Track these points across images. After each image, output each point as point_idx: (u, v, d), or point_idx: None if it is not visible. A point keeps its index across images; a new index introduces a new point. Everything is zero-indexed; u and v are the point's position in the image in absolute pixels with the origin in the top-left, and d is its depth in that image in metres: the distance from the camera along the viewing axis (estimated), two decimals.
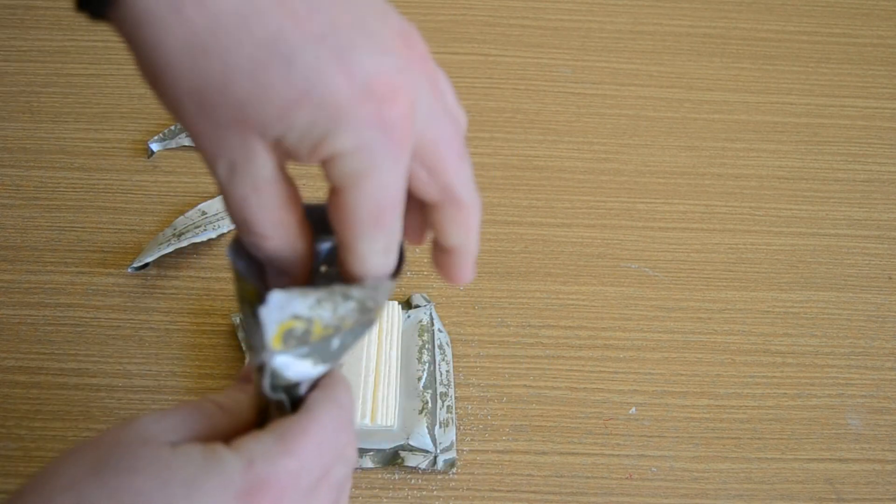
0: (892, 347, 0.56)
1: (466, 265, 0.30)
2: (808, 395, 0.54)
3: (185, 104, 0.25)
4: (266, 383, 0.28)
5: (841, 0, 0.73)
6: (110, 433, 0.28)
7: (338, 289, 0.27)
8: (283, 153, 0.26)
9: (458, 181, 0.28)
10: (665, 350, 0.55)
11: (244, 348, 0.53)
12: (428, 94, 0.27)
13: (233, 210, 0.27)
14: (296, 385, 0.30)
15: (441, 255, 0.30)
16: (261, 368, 0.28)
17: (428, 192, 0.28)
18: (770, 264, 0.59)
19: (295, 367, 0.29)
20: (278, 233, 0.27)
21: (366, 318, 0.29)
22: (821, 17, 0.72)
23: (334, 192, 0.26)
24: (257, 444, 0.28)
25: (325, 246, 0.32)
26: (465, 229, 0.29)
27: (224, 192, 0.27)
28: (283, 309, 0.26)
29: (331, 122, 0.24)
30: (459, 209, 0.29)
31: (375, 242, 0.27)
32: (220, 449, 0.27)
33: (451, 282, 0.31)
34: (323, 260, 0.32)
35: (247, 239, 0.28)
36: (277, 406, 0.30)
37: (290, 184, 0.27)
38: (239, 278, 0.29)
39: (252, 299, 0.28)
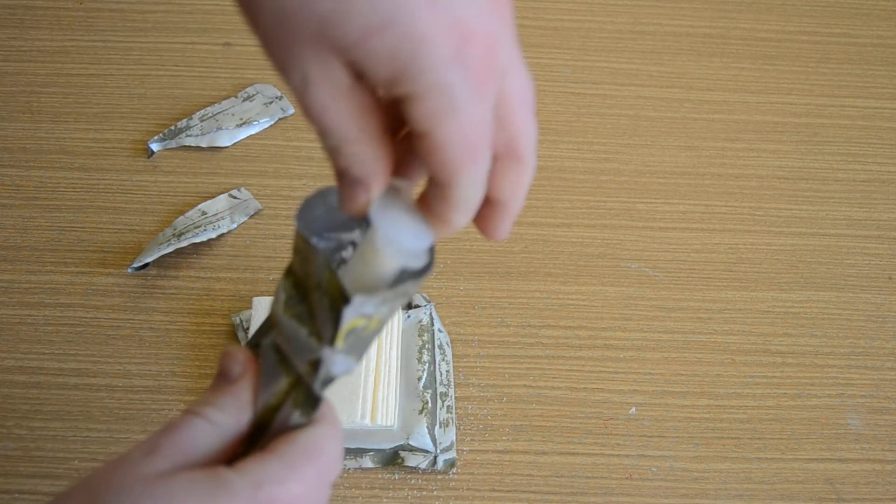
0: (892, 347, 0.56)
1: (506, 222, 0.30)
2: (808, 395, 0.54)
3: (266, 14, 0.24)
4: (319, 383, 0.29)
5: (841, 0, 0.73)
6: (100, 476, 0.27)
7: (402, 288, 0.28)
8: (359, 76, 0.25)
9: (525, 137, 0.28)
10: (665, 350, 0.55)
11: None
12: (510, 45, 0.26)
13: (312, 118, 0.26)
14: (331, 381, 0.30)
15: (483, 206, 0.29)
16: (315, 364, 0.28)
17: (492, 141, 0.27)
18: (770, 264, 0.59)
19: (342, 363, 0.29)
20: (361, 137, 0.26)
21: (393, 314, 0.30)
22: (821, 17, 0.72)
23: (419, 136, 0.25)
24: (262, 467, 0.28)
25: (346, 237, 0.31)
26: (517, 186, 0.29)
27: (300, 101, 0.26)
28: (358, 309, 0.27)
29: (412, 54, 0.23)
30: (518, 165, 0.28)
31: (472, 179, 0.26)
32: (224, 472, 0.27)
33: (486, 235, 0.30)
34: (333, 258, 0.31)
35: (329, 144, 0.27)
36: (305, 409, 0.29)
37: (368, 93, 0.26)
38: (330, 271, 0.27)
39: (334, 294, 0.27)
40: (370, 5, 0.23)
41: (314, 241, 0.29)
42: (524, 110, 0.27)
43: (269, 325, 0.31)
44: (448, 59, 0.23)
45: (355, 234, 0.31)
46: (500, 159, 0.28)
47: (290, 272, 0.30)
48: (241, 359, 0.30)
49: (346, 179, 0.28)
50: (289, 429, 0.29)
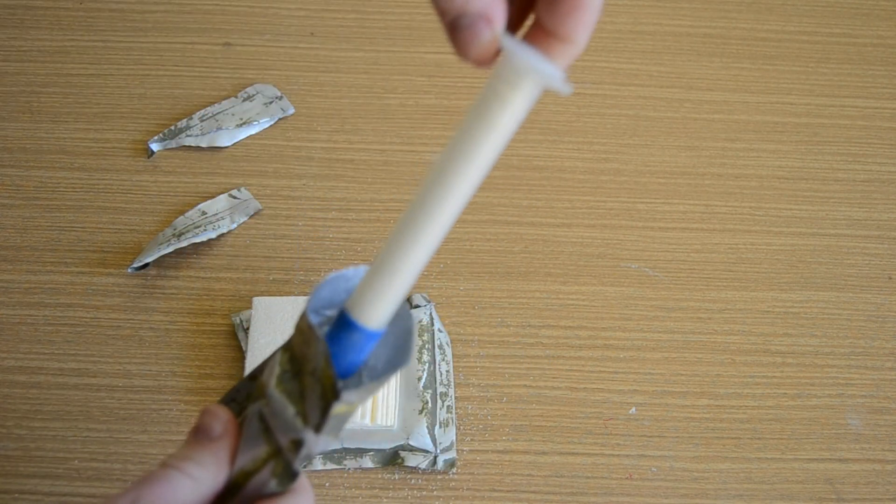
0: (892, 347, 0.56)
1: (570, 57, 0.28)
2: (808, 395, 0.54)
3: None
4: (299, 460, 0.30)
5: (841, 0, 0.73)
6: None
7: (383, 378, 0.30)
8: None
9: None
10: (665, 350, 0.55)
11: (243, 349, 0.53)
12: None
13: None
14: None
15: (544, 37, 0.27)
16: (297, 443, 0.30)
17: None
18: (770, 264, 0.59)
19: (323, 444, 0.30)
20: None
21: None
22: (821, 17, 0.72)
23: None
24: None
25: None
26: (587, 17, 0.27)
27: None
28: (346, 399, 0.29)
29: None
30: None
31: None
32: None
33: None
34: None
35: None
36: (283, 480, 0.30)
37: None
38: (327, 361, 0.29)
39: (326, 384, 0.29)
40: None
41: (312, 317, 0.30)
42: None
43: (256, 392, 0.32)
44: None
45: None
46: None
47: (288, 347, 0.31)
48: (223, 418, 0.31)
49: (465, 19, 0.26)
50: (265, 495, 0.30)
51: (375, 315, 0.29)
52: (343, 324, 0.29)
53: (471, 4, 0.26)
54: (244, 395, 0.33)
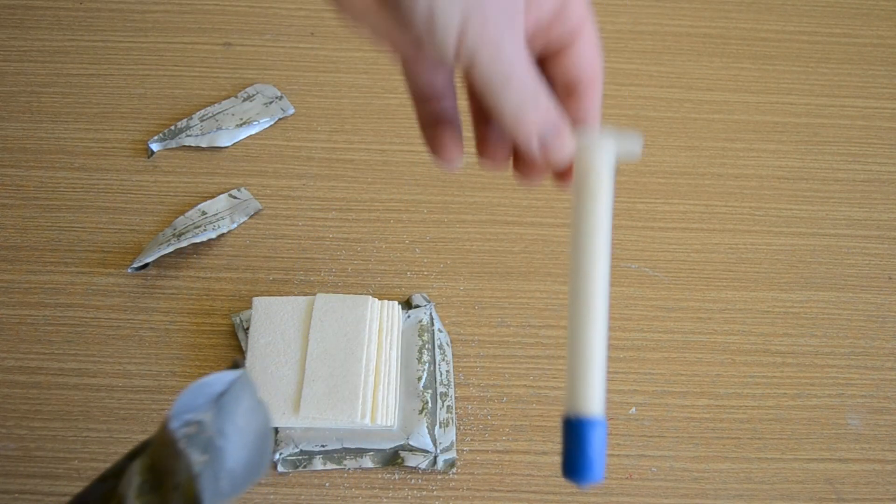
0: (892, 347, 0.56)
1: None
2: (808, 395, 0.54)
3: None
4: None
5: (841, 0, 0.73)
6: None
7: (246, 486, 0.31)
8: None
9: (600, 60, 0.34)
10: (665, 350, 0.55)
11: (243, 349, 0.53)
12: None
13: (503, 75, 0.30)
14: None
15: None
16: None
17: (586, 68, 0.33)
18: (770, 264, 0.59)
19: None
20: (545, 89, 0.32)
21: None
22: (821, 17, 0.72)
23: (571, 49, 0.33)
24: None
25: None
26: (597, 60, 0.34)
27: (490, 64, 0.30)
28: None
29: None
30: (588, 43, 0.34)
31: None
32: None
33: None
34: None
35: (518, 98, 0.31)
36: None
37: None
38: (190, 477, 0.30)
39: (189, 501, 0.30)
40: (581, 8, 0.32)
41: (174, 423, 0.31)
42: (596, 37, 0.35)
43: (113, 502, 0.32)
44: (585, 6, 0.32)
45: (203, 415, 0.32)
46: (590, 81, 0.35)
47: (142, 453, 0.32)
48: None
49: (548, 136, 0.31)
50: None
51: (598, 400, 0.32)
52: (579, 430, 0.31)
53: (549, 120, 0.31)
54: (97, 497, 0.33)
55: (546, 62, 0.33)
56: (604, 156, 0.31)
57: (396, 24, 0.28)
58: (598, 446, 0.33)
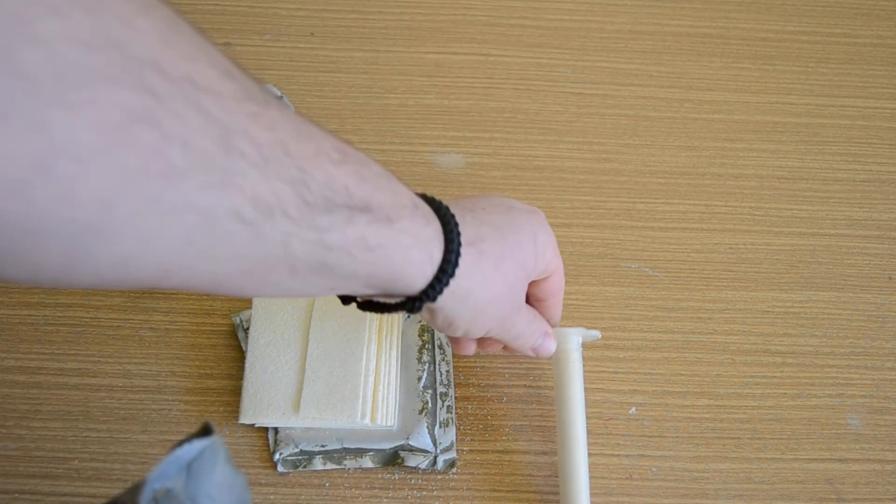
0: (892, 347, 0.56)
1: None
2: (808, 395, 0.54)
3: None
4: None
5: (841, 0, 0.73)
6: None
7: None
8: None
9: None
10: (665, 350, 0.55)
11: (243, 349, 0.53)
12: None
13: (526, 328, 0.47)
14: None
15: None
16: None
17: (556, 289, 0.48)
18: (770, 264, 0.59)
19: None
20: (538, 315, 0.48)
21: None
22: (821, 17, 0.72)
23: (549, 285, 0.47)
24: None
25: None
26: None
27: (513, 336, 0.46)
28: None
29: (554, 264, 0.46)
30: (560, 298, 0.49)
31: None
32: None
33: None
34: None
35: (531, 337, 0.47)
36: None
37: None
38: None
39: None
40: (555, 259, 0.46)
41: (144, 494, 0.30)
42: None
43: None
44: (557, 256, 0.47)
45: (173, 482, 0.32)
46: (556, 295, 0.49)
47: None
48: None
49: (539, 346, 0.48)
50: None
51: None
52: None
53: (544, 334, 0.48)
54: None
55: (530, 286, 0.47)
56: (574, 345, 0.50)
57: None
58: None
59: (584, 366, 0.55)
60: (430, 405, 0.51)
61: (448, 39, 0.69)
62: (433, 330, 0.54)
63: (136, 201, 0.24)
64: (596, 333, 0.50)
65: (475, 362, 0.54)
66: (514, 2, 0.71)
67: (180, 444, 0.31)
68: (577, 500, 0.47)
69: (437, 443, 0.50)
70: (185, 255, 0.26)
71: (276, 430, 0.51)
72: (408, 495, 0.50)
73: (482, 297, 0.40)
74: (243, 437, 0.51)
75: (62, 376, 0.53)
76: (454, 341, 0.48)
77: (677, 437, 0.52)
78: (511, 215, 0.43)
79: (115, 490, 0.49)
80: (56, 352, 0.53)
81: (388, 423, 0.50)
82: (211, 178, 0.25)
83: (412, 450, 0.50)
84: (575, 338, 0.49)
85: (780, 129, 0.66)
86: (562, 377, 0.49)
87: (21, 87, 0.21)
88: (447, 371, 0.53)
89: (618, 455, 0.51)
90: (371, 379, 0.49)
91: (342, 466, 0.50)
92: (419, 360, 0.53)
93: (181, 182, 0.24)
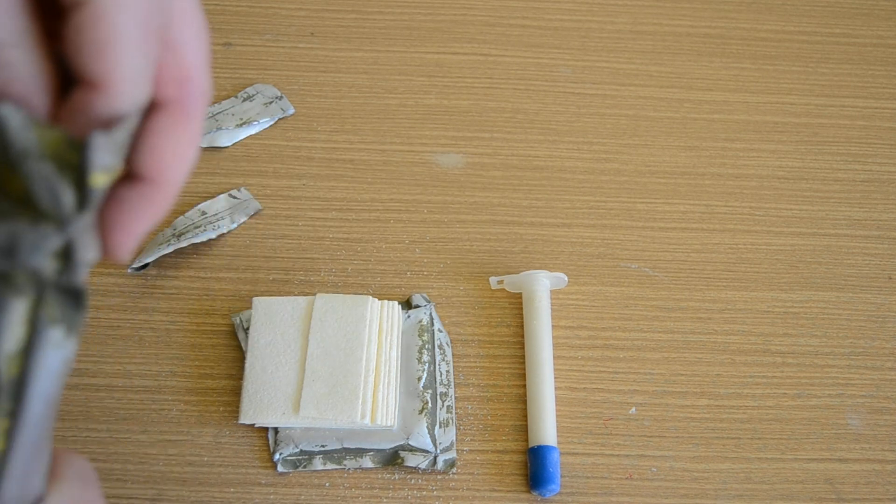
0: (892, 347, 0.56)
1: (145, 221, 0.22)
2: (808, 395, 0.54)
3: None
4: (79, 270, 0.22)
5: (841, 0, 0.73)
6: None
7: (133, 124, 0.22)
8: None
9: (200, 68, 0.21)
10: (665, 350, 0.55)
11: (243, 349, 0.53)
12: None
13: None
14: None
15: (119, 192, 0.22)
16: (66, 252, 0.22)
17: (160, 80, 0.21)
18: (770, 264, 0.59)
19: (89, 242, 0.23)
20: (23, 41, 0.21)
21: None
22: (821, 17, 0.72)
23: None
24: None
25: None
26: (182, 157, 0.21)
27: None
28: (102, 153, 0.21)
29: None
30: (189, 119, 0.21)
31: (138, 64, 0.21)
32: None
33: (109, 246, 0.23)
34: None
35: None
36: (68, 316, 0.22)
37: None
38: (39, 128, 0.21)
39: (56, 150, 0.21)
40: None
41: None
42: (199, 49, 0.21)
43: None
44: None
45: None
46: (163, 110, 0.21)
47: None
48: None
49: None
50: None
51: (552, 435, 0.50)
52: (541, 454, 0.49)
53: (13, 83, 0.21)
54: None
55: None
56: (542, 286, 0.54)
57: None
58: (555, 466, 0.49)
59: (583, 364, 0.55)
60: (430, 405, 0.51)
61: (448, 39, 0.69)
62: (433, 330, 0.54)
63: None
64: (562, 276, 0.54)
65: (475, 362, 0.54)
66: (514, 2, 0.71)
67: None
68: (544, 426, 0.50)
69: (437, 443, 0.50)
70: None
71: (276, 430, 0.51)
72: (408, 495, 0.50)
73: None
74: (243, 437, 0.51)
75: None
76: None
77: (677, 437, 0.52)
78: None
79: (115, 490, 0.49)
80: None
81: (388, 423, 0.50)
82: None
83: (412, 450, 0.50)
84: (544, 280, 0.54)
85: (780, 129, 0.66)
86: (530, 315, 0.54)
87: None
88: (447, 371, 0.53)
89: (618, 455, 0.51)
90: (371, 379, 0.49)
91: (342, 466, 0.50)
92: (419, 360, 0.53)
93: None
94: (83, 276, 0.23)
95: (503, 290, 0.57)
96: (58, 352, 0.22)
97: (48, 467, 0.24)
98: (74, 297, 0.22)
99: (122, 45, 0.20)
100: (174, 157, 0.22)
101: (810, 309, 0.58)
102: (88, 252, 0.22)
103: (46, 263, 0.22)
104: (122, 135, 0.22)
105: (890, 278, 0.59)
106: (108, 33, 0.19)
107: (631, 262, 0.59)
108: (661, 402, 0.53)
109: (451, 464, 0.50)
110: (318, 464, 0.50)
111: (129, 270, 0.56)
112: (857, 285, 0.59)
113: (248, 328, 0.53)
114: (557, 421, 0.52)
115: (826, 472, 0.52)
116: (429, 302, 0.55)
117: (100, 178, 0.21)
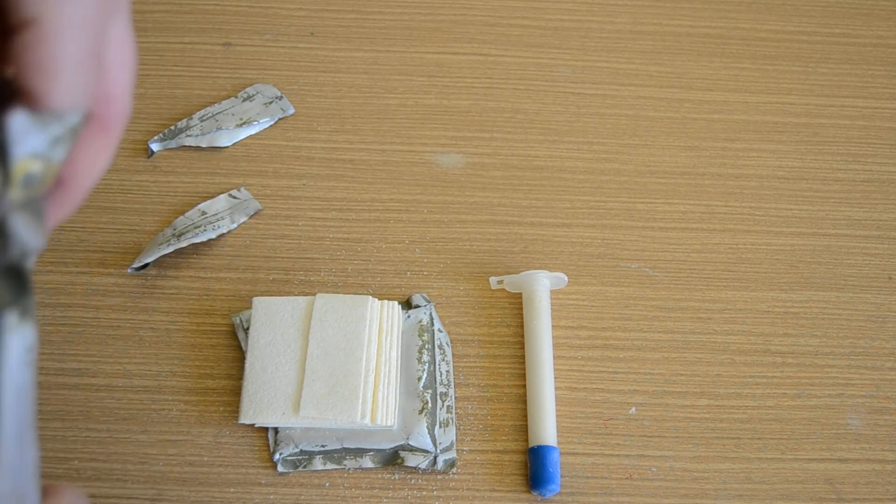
0: (892, 347, 0.56)
1: (59, 216, 0.23)
2: (808, 395, 0.54)
3: None
4: (14, 251, 0.22)
5: (841, 0, 0.73)
6: None
7: (77, 122, 0.22)
8: None
9: (125, 90, 0.23)
10: (665, 350, 0.55)
11: (243, 349, 0.53)
12: None
13: None
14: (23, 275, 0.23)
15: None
16: (2, 233, 0.22)
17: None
18: (770, 264, 0.59)
19: (30, 228, 0.23)
20: None
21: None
22: (821, 17, 0.72)
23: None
24: None
25: None
26: (94, 163, 0.23)
27: None
28: (24, 140, 0.21)
29: None
30: (106, 134, 0.23)
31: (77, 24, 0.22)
32: None
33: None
34: None
35: None
36: (16, 299, 0.23)
37: None
38: None
39: None
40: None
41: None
42: (126, 72, 0.23)
43: None
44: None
45: None
46: (84, 122, 0.23)
47: None
48: None
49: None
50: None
51: (551, 435, 0.50)
52: (541, 454, 0.48)
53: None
54: None
55: None
56: (543, 286, 0.54)
57: None
58: (555, 466, 0.49)
59: (583, 364, 0.55)
60: (430, 405, 0.51)
61: (448, 39, 0.69)
62: (433, 330, 0.54)
63: None
64: (562, 276, 0.55)
65: (475, 362, 0.54)
66: (514, 2, 0.71)
67: None
68: (544, 426, 0.50)
69: (437, 443, 0.50)
70: None
71: (276, 430, 0.51)
72: (408, 495, 0.50)
73: None
74: (243, 437, 0.51)
75: (62, 376, 0.53)
76: None
77: (677, 437, 0.52)
78: None
79: (116, 490, 0.49)
80: (56, 352, 0.53)
81: (388, 423, 0.50)
82: None
83: (412, 450, 0.50)
84: (544, 280, 0.54)
85: (780, 129, 0.66)
86: (530, 315, 0.54)
87: None
88: (447, 371, 0.53)
89: (618, 455, 0.51)
90: (371, 379, 0.49)
91: (342, 466, 0.50)
92: (419, 360, 0.53)
93: None
94: (30, 264, 0.23)
95: (503, 290, 0.57)
96: (15, 337, 0.22)
97: (40, 486, 0.24)
98: (17, 277, 0.22)
99: (64, 65, 0.21)
100: (86, 164, 0.23)
101: (810, 309, 0.58)
102: (30, 237, 0.23)
103: None
104: (58, 129, 0.22)
105: (890, 278, 0.59)
106: (51, 54, 0.21)
107: (631, 262, 0.59)
108: (661, 402, 0.53)
109: (451, 464, 0.50)
110: (318, 464, 0.50)
111: (129, 270, 0.56)
112: (857, 285, 0.59)
113: (248, 328, 0.53)
114: (557, 421, 0.52)
115: (826, 472, 0.52)
116: (429, 302, 0.55)
117: (32, 164, 0.22)
